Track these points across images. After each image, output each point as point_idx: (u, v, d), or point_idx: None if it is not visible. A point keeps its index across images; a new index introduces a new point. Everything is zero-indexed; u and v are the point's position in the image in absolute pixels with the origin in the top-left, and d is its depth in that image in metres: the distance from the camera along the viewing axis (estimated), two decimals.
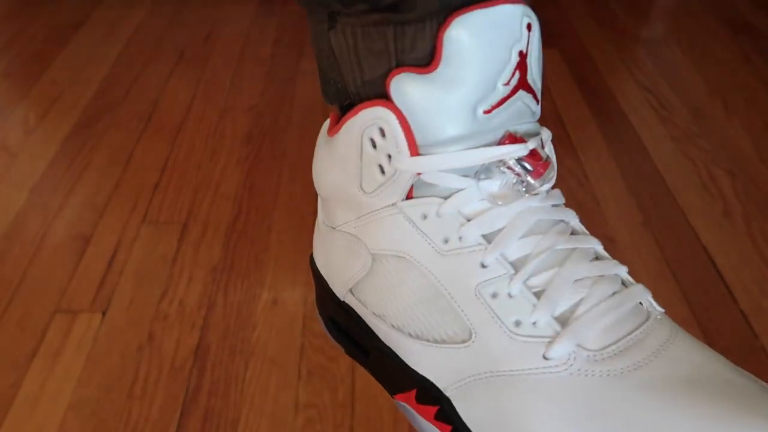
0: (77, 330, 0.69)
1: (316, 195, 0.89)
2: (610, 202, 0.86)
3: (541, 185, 0.34)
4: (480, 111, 0.31)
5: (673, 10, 1.39)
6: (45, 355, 0.66)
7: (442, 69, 0.30)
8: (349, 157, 0.36)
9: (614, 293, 0.33)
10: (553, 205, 0.36)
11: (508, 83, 0.32)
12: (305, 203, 0.86)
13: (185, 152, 0.95)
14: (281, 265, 0.77)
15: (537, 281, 0.32)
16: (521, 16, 0.31)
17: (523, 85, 0.33)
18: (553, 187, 0.38)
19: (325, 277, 0.45)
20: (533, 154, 0.33)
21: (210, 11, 1.36)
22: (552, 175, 0.35)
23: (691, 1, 1.42)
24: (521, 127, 0.34)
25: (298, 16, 1.34)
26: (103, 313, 0.71)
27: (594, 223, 0.83)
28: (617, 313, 0.32)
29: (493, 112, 0.32)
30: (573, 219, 0.37)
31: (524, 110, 0.34)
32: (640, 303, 0.33)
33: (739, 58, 1.21)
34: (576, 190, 0.88)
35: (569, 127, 1.01)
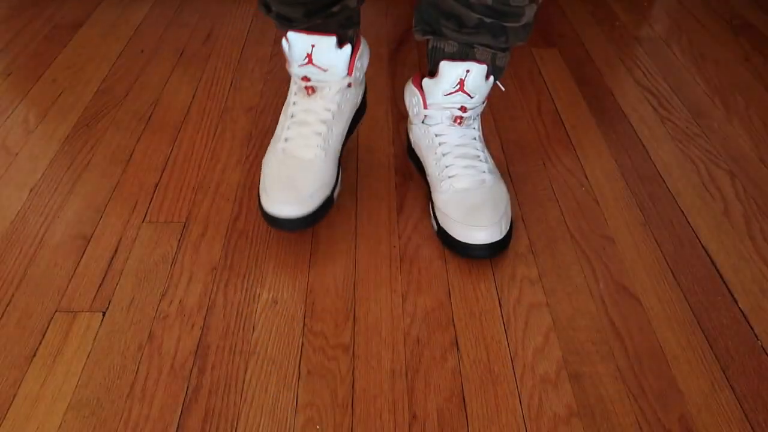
0: (77, 330, 0.69)
1: None
2: (610, 202, 0.86)
3: (458, 124, 0.85)
4: (441, 93, 0.81)
5: (673, 10, 1.39)
6: (45, 355, 0.66)
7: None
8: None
9: None
10: None
11: (454, 88, 0.80)
12: None
13: (185, 152, 0.95)
14: (281, 265, 0.77)
15: None
16: (464, 66, 0.78)
17: (461, 89, 0.79)
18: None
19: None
20: (460, 116, 0.84)
21: (210, 11, 1.36)
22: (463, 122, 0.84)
23: (691, 1, 1.42)
24: (465, 102, 0.83)
25: None
26: (103, 313, 0.71)
27: (594, 223, 0.83)
28: None
29: (448, 96, 0.82)
30: None
31: (462, 98, 0.82)
32: None
33: (739, 58, 1.21)
34: (576, 190, 0.88)
35: (569, 127, 1.01)
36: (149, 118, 1.03)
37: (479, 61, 0.78)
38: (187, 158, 0.94)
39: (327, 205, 0.80)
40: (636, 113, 1.05)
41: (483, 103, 0.83)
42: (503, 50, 0.80)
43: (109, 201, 0.86)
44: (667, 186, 0.89)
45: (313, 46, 0.77)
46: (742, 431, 0.60)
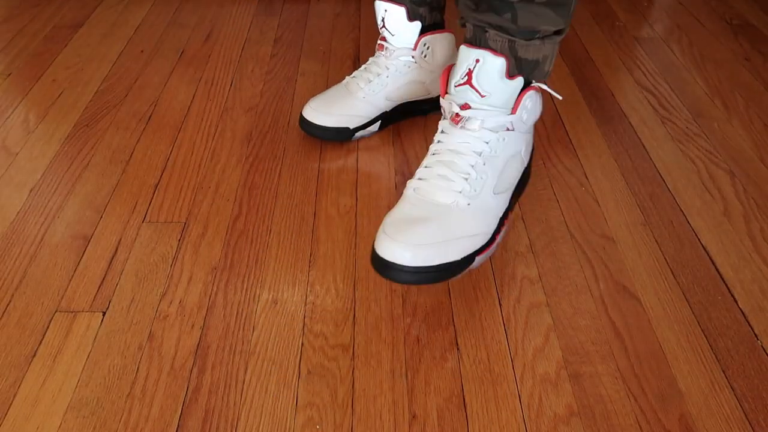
0: (77, 330, 0.69)
1: (315, 195, 0.90)
2: (610, 202, 0.86)
3: (456, 125, 0.75)
4: (453, 84, 0.73)
5: (673, 10, 1.39)
6: (45, 355, 0.66)
7: None
8: None
9: None
10: None
11: (463, 79, 0.71)
12: (305, 203, 0.86)
13: (185, 152, 0.95)
14: (281, 265, 0.77)
15: None
16: (474, 55, 0.70)
17: (469, 82, 0.71)
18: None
19: None
20: (458, 114, 0.75)
21: (210, 11, 1.36)
22: (464, 124, 0.75)
23: (691, 1, 1.42)
24: (471, 100, 0.73)
25: (298, 16, 1.34)
26: (103, 313, 0.71)
27: (594, 223, 0.83)
28: None
29: (458, 88, 0.74)
30: None
31: (470, 94, 0.73)
32: None
33: (739, 58, 1.21)
34: (576, 190, 0.88)
35: (569, 127, 1.01)
36: (149, 118, 1.03)
37: (494, 51, 0.68)
38: (187, 158, 0.94)
39: None
40: (636, 113, 1.05)
41: (517, 116, 0.72)
42: (526, 37, 0.69)
43: (109, 201, 0.86)
44: (667, 186, 0.89)
45: (386, 11, 0.93)
46: (742, 431, 0.60)
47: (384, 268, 0.66)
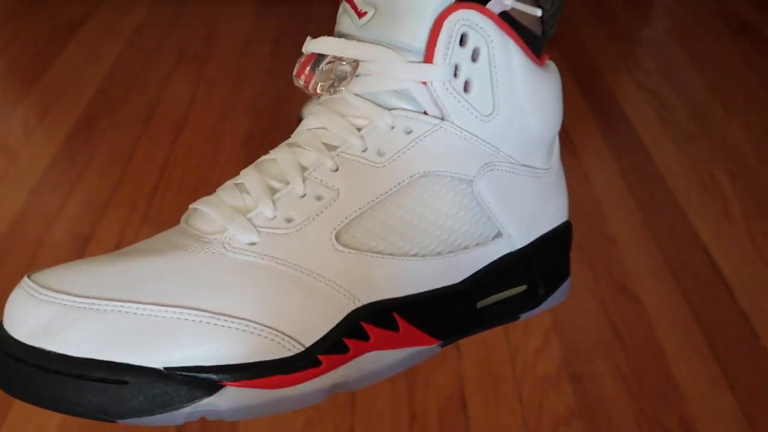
0: None
1: None
2: (610, 202, 0.86)
3: (304, 86, 0.35)
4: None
5: (673, 10, 1.39)
6: None
7: None
8: None
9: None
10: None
11: None
12: None
13: (185, 152, 0.95)
14: None
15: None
16: None
17: None
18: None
19: None
20: (306, 57, 0.34)
21: (210, 11, 1.36)
22: (313, 80, 0.34)
23: (691, 1, 1.42)
24: (344, 30, 0.34)
25: (298, 16, 1.34)
26: None
27: (594, 223, 0.83)
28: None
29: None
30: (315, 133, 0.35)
31: (344, 18, 0.34)
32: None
33: (739, 58, 1.21)
34: (576, 190, 0.88)
35: (569, 127, 1.01)
36: (149, 119, 1.03)
37: None
38: (187, 158, 0.94)
39: None
40: (636, 113, 1.05)
41: (438, 69, 0.32)
42: None
43: (108, 201, 0.86)
44: (667, 186, 0.89)
45: None
46: (742, 431, 0.60)
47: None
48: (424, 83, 0.32)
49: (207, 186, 0.89)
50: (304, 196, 0.32)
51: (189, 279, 0.30)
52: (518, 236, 0.36)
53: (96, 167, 0.92)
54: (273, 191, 0.32)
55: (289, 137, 0.36)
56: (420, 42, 0.32)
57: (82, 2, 1.39)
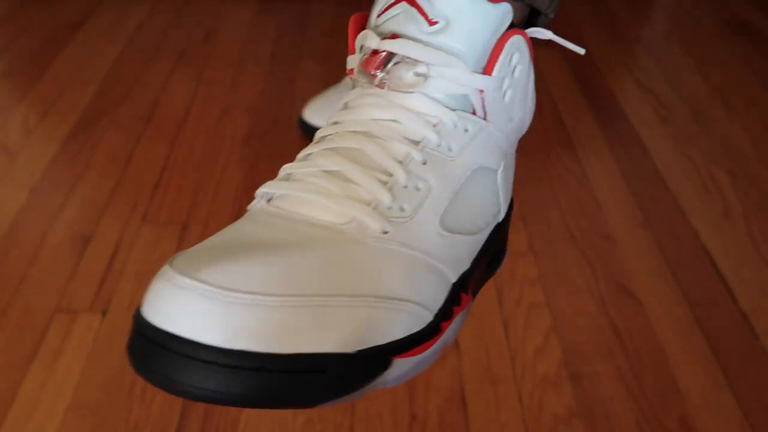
0: (77, 330, 0.69)
1: None
2: (610, 202, 0.86)
3: (371, 77, 0.38)
4: (374, 16, 0.39)
5: (673, 10, 1.39)
6: (45, 355, 0.66)
7: None
8: None
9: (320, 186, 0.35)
10: (391, 101, 0.37)
11: None
12: None
13: (185, 152, 0.95)
14: None
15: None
16: None
17: None
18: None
19: None
20: (375, 52, 0.37)
21: (210, 11, 1.36)
22: (387, 77, 0.37)
23: (691, 1, 1.42)
24: (409, 33, 0.37)
25: (298, 16, 1.34)
26: (103, 313, 0.71)
27: (594, 223, 0.83)
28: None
29: (382, 15, 0.38)
30: (415, 125, 0.37)
31: (408, 21, 0.37)
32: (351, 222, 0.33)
33: (739, 58, 1.21)
34: (576, 190, 0.88)
35: (569, 127, 1.01)
36: (149, 119, 1.03)
37: None
38: (187, 158, 0.94)
39: None
40: (636, 113, 1.05)
41: (493, 80, 0.38)
42: None
43: (108, 201, 0.86)
44: (667, 186, 0.89)
45: None
46: (742, 431, 0.60)
47: (150, 354, 0.29)
48: (482, 91, 0.38)
49: (207, 186, 0.89)
50: (406, 187, 0.35)
51: (351, 269, 0.32)
52: (503, 212, 0.43)
53: (96, 167, 0.92)
54: (381, 182, 0.35)
55: (337, 124, 0.38)
56: (482, 57, 0.38)
57: (82, 2, 1.39)
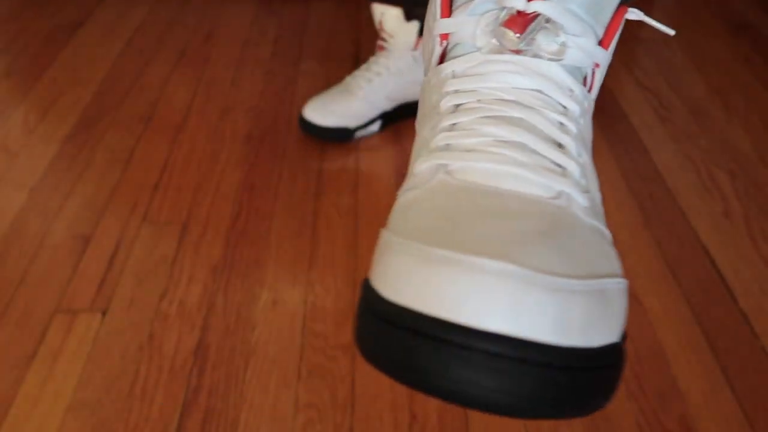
0: (77, 330, 0.69)
1: (315, 195, 0.90)
2: (610, 202, 0.86)
3: (519, 41, 0.33)
4: None
5: (673, 10, 1.39)
6: (45, 355, 0.66)
7: None
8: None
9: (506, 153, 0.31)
10: (532, 70, 0.34)
11: None
12: (305, 203, 0.86)
13: (185, 152, 0.95)
14: (281, 265, 0.77)
15: (451, 116, 0.34)
16: None
17: None
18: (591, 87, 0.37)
19: None
20: (520, 13, 0.33)
21: (210, 11, 1.36)
22: (531, 42, 0.33)
23: (691, 1, 1.42)
24: None
25: (298, 16, 1.34)
26: (103, 313, 0.71)
27: None
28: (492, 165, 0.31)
29: None
30: (558, 95, 0.34)
31: None
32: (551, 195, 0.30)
33: (739, 58, 1.21)
34: None
35: None
36: (149, 119, 1.03)
37: None
38: (187, 158, 0.94)
39: (340, 133, 0.94)
40: (636, 113, 1.05)
41: (607, 55, 0.37)
42: None
43: (108, 201, 0.86)
44: (667, 186, 0.89)
45: (382, 13, 0.94)
46: (742, 431, 0.60)
47: (415, 348, 0.25)
48: (597, 65, 0.36)
49: (207, 186, 0.89)
50: (577, 159, 0.33)
51: (596, 249, 0.30)
52: None
53: (96, 167, 0.92)
54: (563, 153, 0.32)
55: (470, 92, 0.34)
56: (602, 28, 0.35)
57: (82, 2, 1.39)
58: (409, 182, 0.33)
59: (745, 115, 1.04)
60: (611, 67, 1.18)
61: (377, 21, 0.96)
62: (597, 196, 0.34)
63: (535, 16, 0.33)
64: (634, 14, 0.37)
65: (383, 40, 0.97)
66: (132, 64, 1.18)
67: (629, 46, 1.24)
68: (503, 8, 0.33)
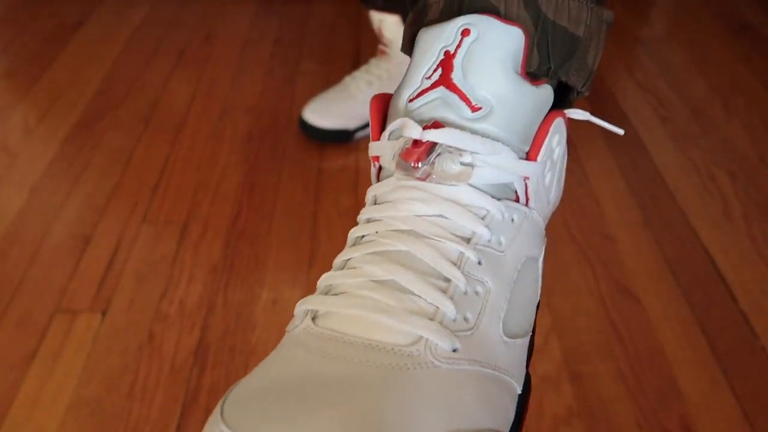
0: (77, 330, 0.69)
1: (315, 195, 0.90)
2: (610, 202, 0.86)
3: (413, 169, 0.33)
4: (406, 98, 0.34)
5: (673, 10, 1.39)
6: (45, 355, 0.66)
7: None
8: None
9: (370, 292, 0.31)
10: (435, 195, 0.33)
11: (429, 77, 0.34)
12: (305, 203, 0.86)
13: (185, 152, 0.95)
14: (281, 265, 0.77)
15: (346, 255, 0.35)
16: (459, 21, 0.33)
17: (445, 82, 0.33)
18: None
19: None
20: (417, 142, 0.33)
21: (210, 11, 1.36)
22: (431, 169, 0.33)
23: (691, 1, 1.42)
24: (450, 120, 0.33)
25: (298, 16, 1.34)
26: (103, 313, 0.71)
27: (594, 223, 0.83)
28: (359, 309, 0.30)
29: (416, 101, 0.34)
30: (458, 218, 0.33)
31: (447, 106, 0.34)
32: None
33: (739, 58, 1.21)
34: (576, 190, 0.88)
35: (569, 127, 1.01)
36: (149, 119, 1.03)
37: (498, 16, 0.35)
38: (187, 158, 0.94)
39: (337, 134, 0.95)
40: (636, 113, 1.05)
41: (537, 167, 0.36)
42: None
43: (108, 201, 0.86)
44: (667, 186, 0.89)
45: (381, 20, 0.94)
46: (742, 431, 0.60)
47: None
48: (527, 178, 0.35)
49: (207, 186, 0.89)
50: (466, 293, 0.31)
51: (432, 404, 0.28)
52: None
53: (96, 167, 0.92)
54: (441, 290, 0.31)
55: (374, 222, 0.35)
56: (526, 141, 0.35)
57: (82, 2, 1.39)
58: (294, 320, 0.33)
59: (745, 115, 1.04)
60: (611, 68, 1.18)
61: (376, 27, 0.96)
62: (516, 317, 0.33)
63: (432, 143, 0.33)
64: (578, 114, 0.39)
65: (384, 45, 0.97)
66: (132, 64, 1.18)
67: (629, 47, 1.24)
68: (392, 137, 0.34)
